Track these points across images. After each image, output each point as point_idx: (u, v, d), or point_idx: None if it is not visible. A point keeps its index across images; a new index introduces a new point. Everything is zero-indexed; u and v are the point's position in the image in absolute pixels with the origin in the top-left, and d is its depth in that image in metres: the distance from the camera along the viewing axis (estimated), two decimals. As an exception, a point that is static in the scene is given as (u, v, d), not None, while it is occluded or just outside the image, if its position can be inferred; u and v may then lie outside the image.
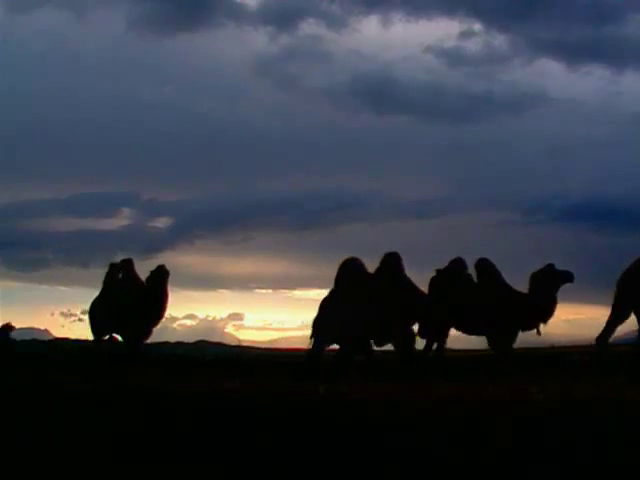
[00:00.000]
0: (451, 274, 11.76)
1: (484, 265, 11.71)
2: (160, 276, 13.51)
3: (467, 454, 3.78)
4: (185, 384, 8.61)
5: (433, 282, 11.83)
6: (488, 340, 11.34)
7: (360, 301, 11.58)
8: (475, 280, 11.65)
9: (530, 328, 11.30)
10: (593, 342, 11.19)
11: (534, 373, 9.84)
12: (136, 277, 14.01)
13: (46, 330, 54.50)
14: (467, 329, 11.77)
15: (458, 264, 11.84)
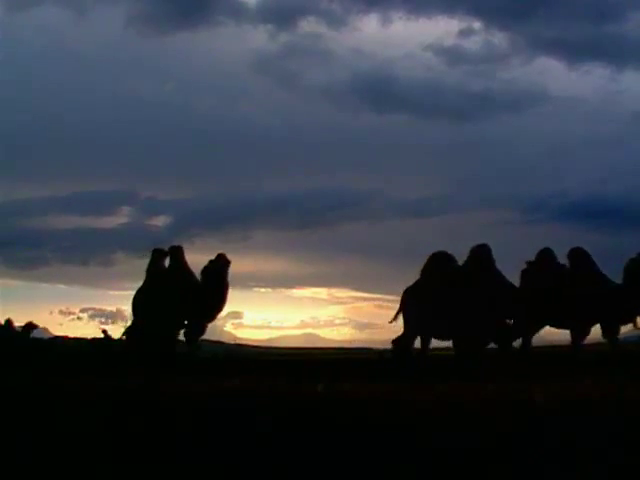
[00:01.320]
0: (542, 265, 11.15)
1: (578, 254, 11.14)
2: (221, 266, 12.32)
3: (467, 454, 3.78)
4: (185, 383, 8.59)
5: (525, 274, 11.23)
6: (603, 330, 10.68)
7: (455, 296, 10.98)
8: (567, 269, 11.05)
9: (628, 320, 10.80)
10: (592, 341, 11.16)
11: (534, 373, 9.83)
12: (187, 266, 12.66)
13: (45, 328, 54.47)
14: (562, 322, 11.09)
15: (548, 254, 11.22)
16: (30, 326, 20.66)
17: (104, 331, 20.98)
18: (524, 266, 11.40)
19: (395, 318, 11.51)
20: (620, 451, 3.75)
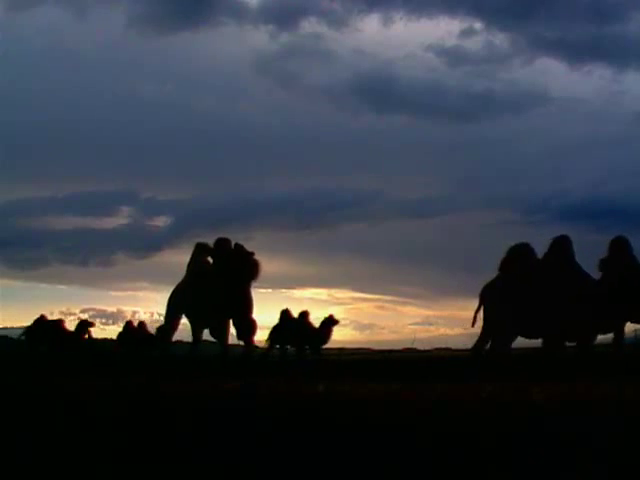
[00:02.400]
0: (618, 258, 10.57)
1: (620, 242, 10.56)
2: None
3: (467, 454, 3.78)
4: (185, 384, 8.60)
5: (602, 267, 10.65)
6: None
7: (539, 291, 10.30)
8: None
9: None
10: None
11: (534, 373, 9.82)
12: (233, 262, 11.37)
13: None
14: None
15: (622, 245, 10.57)
16: (85, 325, 18.47)
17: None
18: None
19: (475, 320, 10.88)
20: (620, 451, 3.75)
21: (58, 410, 5.86)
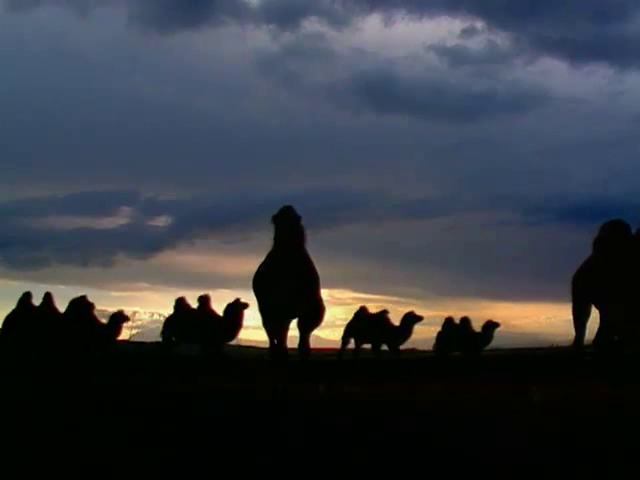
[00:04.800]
0: None
1: None
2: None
3: (467, 454, 3.79)
4: (185, 384, 8.60)
5: None
6: None
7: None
8: None
9: None
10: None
11: (534, 373, 9.83)
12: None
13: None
14: None
15: None
16: (121, 317, 15.38)
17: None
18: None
19: (579, 314, 9.93)
20: (620, 452, 3.76)
21: (57, 409, 5.86)
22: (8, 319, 15.46)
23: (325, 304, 9.83)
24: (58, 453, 3.90)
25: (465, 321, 17.53)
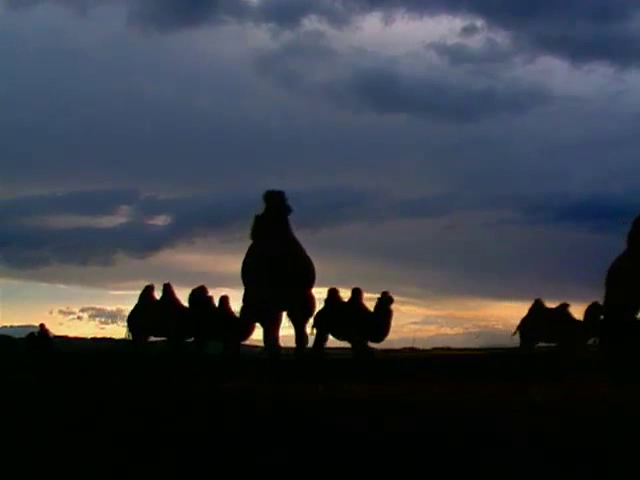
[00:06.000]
0: None
1: None
2: None
3: (467, 454, 3.79)
4: (185, 384, 8.60)
5: None
6: None
7: None
8: None
9: None
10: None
11: (534, 373, 9.83)
12: None
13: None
14: None
15: None
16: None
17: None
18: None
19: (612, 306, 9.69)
20: (620, 452, 3.76)
21: (57, 409, 5.86)
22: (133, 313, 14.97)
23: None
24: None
25: (563, 307, 15.10)
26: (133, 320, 14.87)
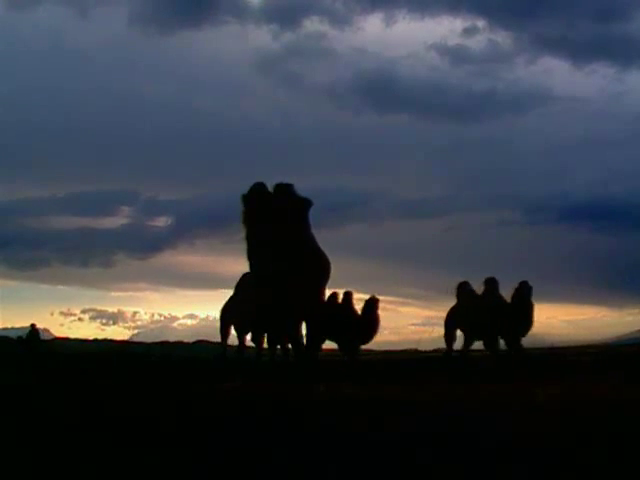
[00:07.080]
0: None
1: None
2: None
3: (467, 454, 3.79)
4: (185, 384, 8.61)
5: None
6: None
7: None
8: None
9: None
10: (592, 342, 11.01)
11: (534, 373, 9.84)
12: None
13: (46, 329, 54.52)
14: None
15: None
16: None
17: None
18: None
19: None
20: (620, 452, 3.76)
21: (58, 409, 5.87)
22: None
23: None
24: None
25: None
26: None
